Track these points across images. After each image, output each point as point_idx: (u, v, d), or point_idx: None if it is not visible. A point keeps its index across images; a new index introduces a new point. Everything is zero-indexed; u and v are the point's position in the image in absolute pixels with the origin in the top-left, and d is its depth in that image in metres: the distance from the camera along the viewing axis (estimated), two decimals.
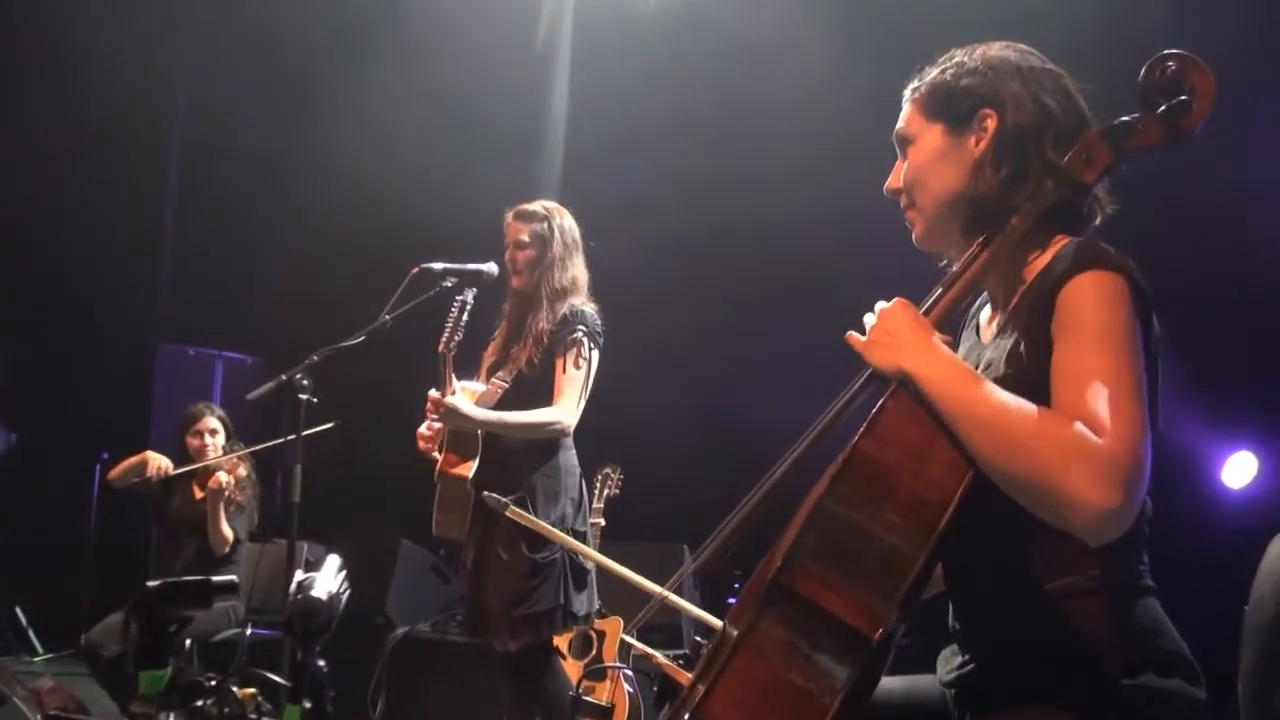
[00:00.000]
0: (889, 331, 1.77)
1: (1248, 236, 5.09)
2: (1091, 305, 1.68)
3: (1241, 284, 5.24)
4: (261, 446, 5.59)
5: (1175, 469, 5.37)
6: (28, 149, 7.50)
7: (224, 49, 8.01)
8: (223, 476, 5.40)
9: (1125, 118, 1.77)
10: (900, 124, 1.97)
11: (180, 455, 5.70)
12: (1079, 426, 1.58)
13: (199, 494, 5.57)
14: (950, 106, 1.90)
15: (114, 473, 5.72)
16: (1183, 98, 1.73)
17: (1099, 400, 1.60)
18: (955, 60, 1.93)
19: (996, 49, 1.92)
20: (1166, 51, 1.75)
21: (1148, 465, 1.59)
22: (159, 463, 5.58)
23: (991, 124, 1.86)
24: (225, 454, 5.69)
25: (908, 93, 1.97)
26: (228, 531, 5.48)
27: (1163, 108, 1.74)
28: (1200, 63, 1.74)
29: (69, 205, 7.81)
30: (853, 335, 1.83)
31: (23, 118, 7.61)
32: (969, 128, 1.88)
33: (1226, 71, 1.86)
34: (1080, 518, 1.56)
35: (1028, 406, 1.64)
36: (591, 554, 3.33)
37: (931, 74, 1.94)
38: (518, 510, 3.34)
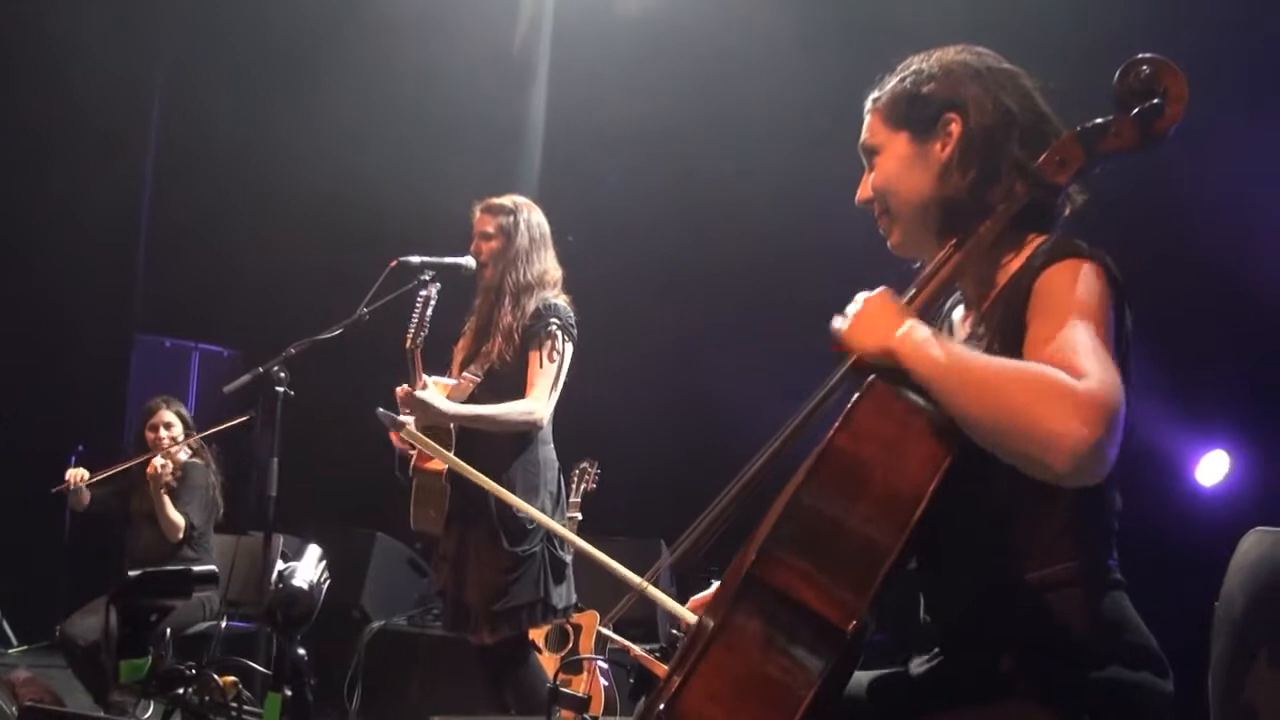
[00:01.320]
0: (871, 315, 1.79)
1: (1223, 236, 5.12)
2: (1067, 287, 1.71)
3: (1218, 283, 5.27)
4: (210, 431, 5.66)
5: (1149, 467, 5.41)
6: (2, 140, 7.45)
7: (202, 42, 7.97)
8: (158, 461, 5.42)
9: (1099, 120, 1.79)
10: (865, 135, 2.00)
11: (142, 450, 5.69)
12: (1057, 370, 1.59)
13: None
14: (914, 114, 1.92)
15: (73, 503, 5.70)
16: (1155, 101, 1.75)
17: (1075, 353, 1.61)
18: (913, 68, 1.95)
19: (953, 53, 1.95)
20: (1141, 55, 1.77)
21: (1124, 412, 1.58)
22: (73, 473, 5.54)
23: (956, 128, 1.88)
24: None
25: (869, 104, 2.00)
26: (176, 517, 5.46)
27: (1136, 110, 1.76)
28: (1174, 66, 1.76)
29: (46, 196, 7.75)
30: (838, 321, 1.84)
31: None
32: (934, 133, 1.90)
33: (1200, 70, 1.88)
34: (1060, 454, 1.54)
35: (1009, 360, 1.65)
36: (567, 534, 3.35)
37: (891, 83, 1.97)
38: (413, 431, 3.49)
